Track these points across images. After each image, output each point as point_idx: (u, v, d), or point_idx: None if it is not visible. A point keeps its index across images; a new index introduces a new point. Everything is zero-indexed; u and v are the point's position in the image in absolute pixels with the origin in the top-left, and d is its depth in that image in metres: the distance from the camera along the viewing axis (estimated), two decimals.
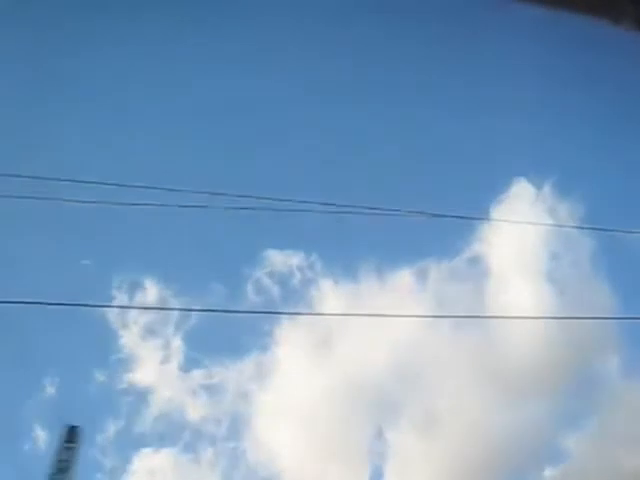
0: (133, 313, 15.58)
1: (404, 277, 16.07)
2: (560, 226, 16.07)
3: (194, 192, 14.79)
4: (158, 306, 15.84)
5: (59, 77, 15.31)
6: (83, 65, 15.17)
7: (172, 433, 15.41)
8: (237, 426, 15.56)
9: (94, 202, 13.76)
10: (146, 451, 15.09)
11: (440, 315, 15.60)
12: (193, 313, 15.75)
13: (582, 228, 16.01)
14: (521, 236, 16.19)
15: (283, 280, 16.04)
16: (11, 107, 14.70)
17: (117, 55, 15.48)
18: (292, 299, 16.26)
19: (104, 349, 15.44)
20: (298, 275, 16.05)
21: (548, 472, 15.59)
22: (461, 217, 15.43)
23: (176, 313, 15.74)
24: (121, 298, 15.53)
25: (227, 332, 15.67)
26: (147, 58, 15.73)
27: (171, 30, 15.23)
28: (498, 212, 16.11)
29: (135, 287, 15.51)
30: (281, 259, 15.98)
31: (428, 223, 15.60)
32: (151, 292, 15.60)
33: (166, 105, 15.84)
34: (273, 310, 15.98)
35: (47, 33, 15.06)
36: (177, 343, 15.69)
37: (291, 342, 15.92)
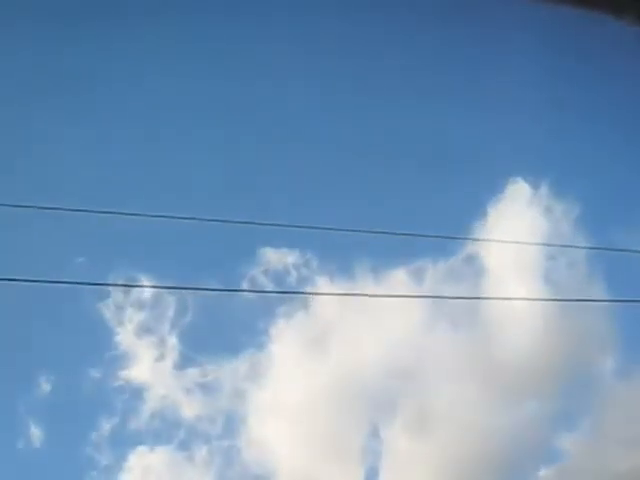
0: (129, 310, 15.59)
1: (400, 276, 16.05)
2: (567, 246, 16.13)
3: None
4: (152, 302, 15.80)
5: (60, 79, 15.30)
6: (84, 66, 15.19)
7: (167, 431, 15.39)
8: (232, 424, 15.55)
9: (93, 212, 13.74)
10: (141, 449, 15.08)
11: (434, 296, 15.70)
12: (189, 312, 15.71)
13: (590, 248, 16.07)
14: (517, 237, 16.17)
15: (279, 278, 16.03)
16: (10, 109, 14.68)
17: (117, 57, 15.47)
18: (287, 296, 16.24)
19: (99, 346, 15.42)
20: (294, 273, 16.04)
21: (543, 472, 15.65)
22: (451, 238, 15.61)
23: (171, 311, 15.71)
24: (116, 296, 15.53)
25: (222, 330, 15.71)
26: (147, 61, 15.74)
27: (175, 31, 15.28)
28: (494, 212, 16.16)
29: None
30: (277, 257, 15.96)
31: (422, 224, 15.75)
32: (147, 290, 15.62)
33: (166, 107, 15.82)
34: (270, 306, 15.94)
35: (47, 34, 15.09)
36: (172, 341, 15.69)
37: (286, 341, 15.92)
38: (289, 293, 16.28)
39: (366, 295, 15.56)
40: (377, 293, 15.86)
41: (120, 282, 15.27)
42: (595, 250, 16.25)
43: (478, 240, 16.11)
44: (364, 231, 14.78)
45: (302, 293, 16.19)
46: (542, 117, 15.73)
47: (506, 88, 15.66)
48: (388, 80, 16.21)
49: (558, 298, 16.09)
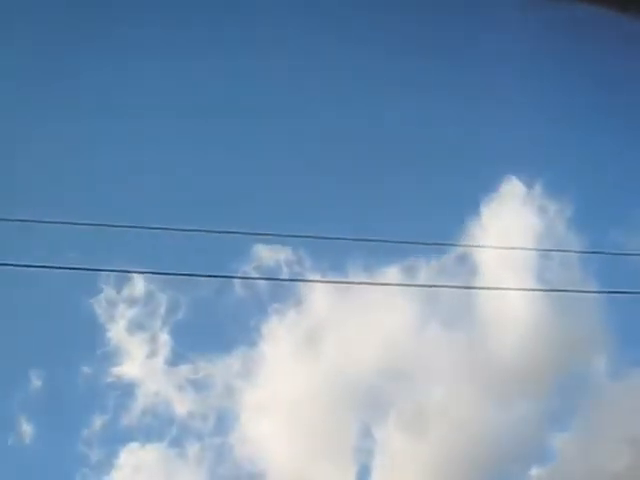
0: (121, 307, 15.54)
1: (393, 274, 16.01)
2: (564, 251, 16.14)
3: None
4: (144, 299, 15.76)
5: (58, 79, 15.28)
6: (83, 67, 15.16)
7: (159, 428, 15.36)
8: (224, 422, 15.54)
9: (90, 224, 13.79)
10: (132, 445, 15.04)
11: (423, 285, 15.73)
12: (181, 308, 15.68)
13: (586, 253, 16.08)
14: (511, 235, 16.18)
15: (271, 275, 15.99)
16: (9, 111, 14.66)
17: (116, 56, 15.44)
18: (280, 293, 16.19)
19: (91, 342, 15.37)
20: (286, 270, 16.00)
21: (535, 471, 15.66)
22: (441, 244, 15.65)
23: (163, 308, 15.67)
24: (109, 292, 15.48)
25: (214, 327, 15.68)
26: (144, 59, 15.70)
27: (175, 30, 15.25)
28: (488, 210, 16.16)
29: (122, 280, 15.50)
30: (269, 254, 15.91)
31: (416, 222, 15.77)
32: (138, 285, 15.59)
33: (161, 114, 15.80)
34: (263, 303, 15.91)
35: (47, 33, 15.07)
36: (164, 337, 15.65)
37: (279, 338, 15.89)
38: (279, 280, 16.24)
39: (355, 283, 15.59)
40: (369, 289, 15.86)
41: (112, 279, 15.32)
42: (588, 249, 16.28)
43: (471, 246, 16.12)
44: (356, 239, 14.82)
45: (292, 280, 16.15)
46: (538, 116, 15.76)
47: (502, 87, 15.68)
48: (381, 80, 16.20)
49: (547, 289, 16.11)
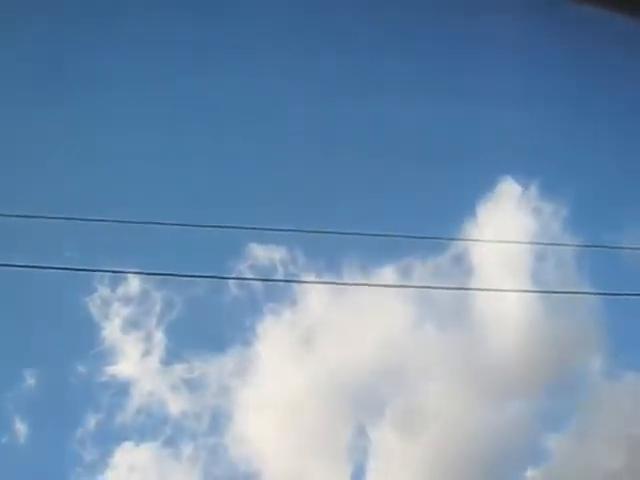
0: (115, 305, 15.49)
1: (388, 274, 16.00)
2: (559, 245, 16.14)
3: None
4: (139, 297, 15.71)
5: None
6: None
7: (153, 427, 15.31)
8: (218, 421, 15.50)
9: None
10: (127, 445, 14.99)
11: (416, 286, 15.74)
12: (175, 307, 15.64)
13: (582, 246, 16.09)
14: (507, 235, 16.18)
15: (265, 274, 15.96)
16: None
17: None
18: (274, 293, 16.17)
19: (85, 341, 15.33)
20: (281, 269, 15.98)
21: (530, 472, 15.65)
22: (437, 238, 15.64)
23: (158, 307, 15.64)
24: (103, 291, 15.44)
25: (209, 326, 15.65)
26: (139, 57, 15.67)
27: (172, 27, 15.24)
28: (484, 211, 16.15)
29: (117, 279, 15.47)
30: (263, 253, 15.88)
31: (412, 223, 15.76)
32: (133, 284, 15.55)
33: (156, 114, 15.77)
34: (258, 303, 15.87)
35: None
36: (159, 336, 15.60)
37: (273, 338, 15.86)
38: (273, 281, 16.24)
39: (351, 284, 15.60)
40: (365, 290, 15.85)
41: (107, 277, 15.28)
42: (583, 250, 16.29)
43: (465, 240, 16.11)
44: (351, 233, 14.82)
45: (287, 281, 16.14)
46: (534, 117, 15.77)
47: (499, 86, 15.67)
48: (375, 78, 16.19)
49: (543, 290, 16.13)
